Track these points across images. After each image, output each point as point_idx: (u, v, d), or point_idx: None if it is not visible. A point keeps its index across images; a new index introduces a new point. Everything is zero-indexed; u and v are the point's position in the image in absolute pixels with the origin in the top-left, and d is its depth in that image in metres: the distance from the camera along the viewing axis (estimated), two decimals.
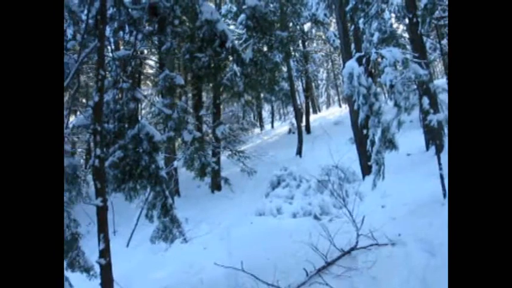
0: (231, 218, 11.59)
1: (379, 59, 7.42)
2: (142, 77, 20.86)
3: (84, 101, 20.83)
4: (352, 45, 14.19)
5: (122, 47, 11.59)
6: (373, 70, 8.44)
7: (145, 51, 19.39)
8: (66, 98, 19.46)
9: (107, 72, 6.63)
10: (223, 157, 17.65)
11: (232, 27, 17.56)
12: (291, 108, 29.31)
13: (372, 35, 15.48)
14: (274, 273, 6.19)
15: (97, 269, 6.27)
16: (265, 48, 15.00)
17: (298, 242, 7.01)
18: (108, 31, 6.54)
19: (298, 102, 23.93)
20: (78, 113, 16.66)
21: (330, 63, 36.94)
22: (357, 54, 7.77)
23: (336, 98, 40.06)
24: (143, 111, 22.77)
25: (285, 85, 21.59)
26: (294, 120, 21.69)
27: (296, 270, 6.29)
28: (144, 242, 9.21)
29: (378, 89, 7.54)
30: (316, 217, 9.84)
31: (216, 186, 16.01)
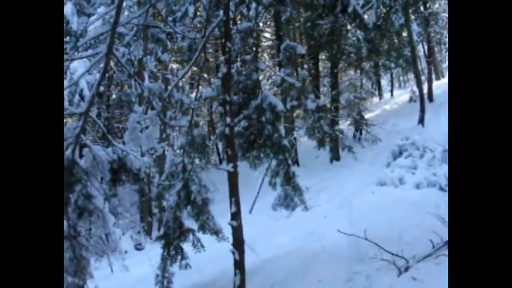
0: (351, 187, 11.51)
1: None
2: (259, 49, 21.21)
3: (205, 75, 21.78)
4: None
5: (238, 21, 11.91)
6: None
7: (261, 24, 19.64)
8: (189, 74, 20.62)
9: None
10: (342, 127, 17.44)
11: None
12: (411, 75, 27.86)
13: None
14: (398, 243, 6.07)
15: (225, 232, 6.68)
16: (384, 11, 14.33)
17: (424, 213, 6.77)
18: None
19: (420, 68, 22.62)
20: (200, 87, 17.50)
21: None
22: None
23: None
24: (261, 83, 23.24)
25: (406, 51, 20.51)
26: (415, 88, 20.58)
27: (422, 242, 6.10)
28: (266, 209, 9.53)
29: None
30: (441, 188, 9.37)
31: (335, 156, 15.94)
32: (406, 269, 5.69)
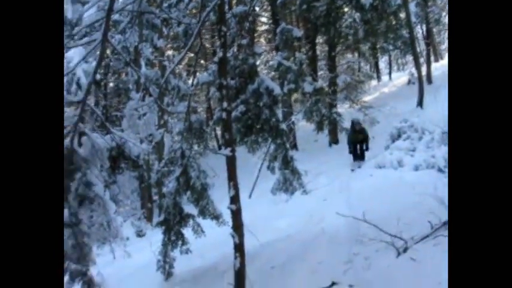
0: (350, 170, 11.55)
1: None
2: (255, 34, 21.11)
3: (202, 62, 21.70)
4: None
5: (234, 5, 11.79)
6: None
7: (257, 9, 19.51)
8: (185, 61, 20.56)
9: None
10: (340, 110, 17.44)
11: None
12: (410, 58, 27.74)
13: None
14: (396, 225, 6.10)
15: (225, 217, 6.73)
16: None
17: (422, 194, 6.80)
18: None
19: (418, 50, 22.47)
20: (197, 73, 17.47)
21: None
22: None
23: None
24: (258, 68, 23.11)
25: (403, 32, 20.38)
26: (413, 70, 20.51)
27: (420, 223, 6.13)
28: (265, 193, 9.60)
29: None
30: (440, 170, 9.39)
31: (333, 139, 15.95)
32: (405, 250, 5.73)
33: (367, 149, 13.03)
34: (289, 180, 7.47)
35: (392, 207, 7.05)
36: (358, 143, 12.96)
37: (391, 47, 21.88)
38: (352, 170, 12.19)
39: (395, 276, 5.34)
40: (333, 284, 5.46)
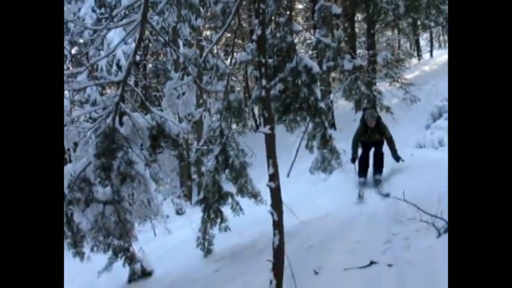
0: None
1: None
2: (293, 13, 20.82)
3: (239, 42, 21.68)
4: None
5: None
6: None
7: None
8: (223, 41, 20.57)
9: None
10: (380, 88, 17.05)
11: None
12: None
13: None
14: (437, 205, 5.99)
15: (263, 195, 6.78)
16: None
17: None
18: None
19: None
20: (234, 53, 17.45)
21: None
22: None
23: None
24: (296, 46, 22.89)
25: (446, 8, 19.67)
26: None
27: None
28: (303, 172, 9.60)
29: None
30: None
31: None
32: (446, 231, 5.63)
33: (395, 156, 8.78)
34: (328, 159, 7.43)
35: (433, 187, 6.92)
36: (373, 146, 8.87)
37: (432, 24, 21.18)
38: (360, 197, 8.04)
39: (436, 256, 5.26)
40: (372, 263, 5.42)
